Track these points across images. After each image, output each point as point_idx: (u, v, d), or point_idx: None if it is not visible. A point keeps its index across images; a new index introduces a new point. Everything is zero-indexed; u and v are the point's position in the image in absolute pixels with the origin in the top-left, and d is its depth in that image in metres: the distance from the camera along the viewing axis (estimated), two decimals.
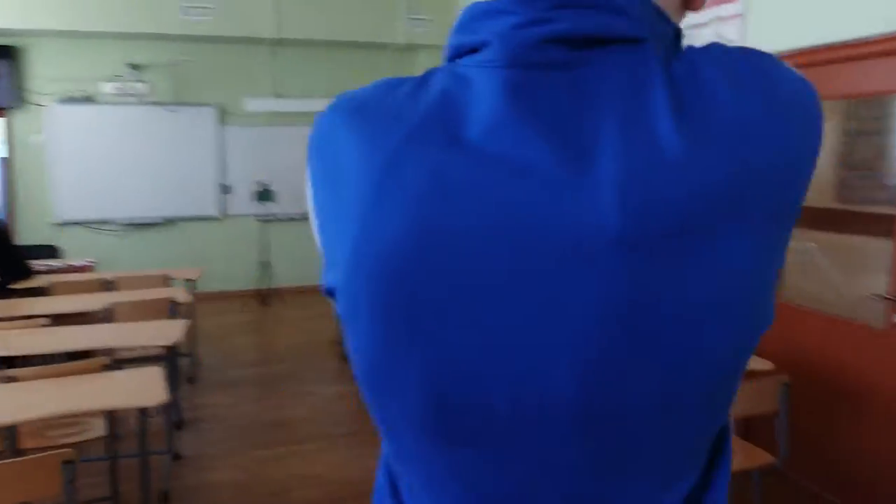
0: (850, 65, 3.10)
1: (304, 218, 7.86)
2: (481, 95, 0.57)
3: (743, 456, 2.68)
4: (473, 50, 0.60)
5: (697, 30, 3.85)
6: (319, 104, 7.56)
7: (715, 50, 0.57)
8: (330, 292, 0.67)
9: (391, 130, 0.59)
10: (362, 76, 7.89)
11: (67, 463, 1.98)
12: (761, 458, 2.67)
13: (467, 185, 0.55)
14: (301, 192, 7.71)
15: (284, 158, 7.79)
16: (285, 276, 7.79)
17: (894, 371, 2.97)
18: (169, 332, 3.45)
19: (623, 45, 0.56)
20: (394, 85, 0.64)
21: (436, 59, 7.78)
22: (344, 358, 5.53)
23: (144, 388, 2.67)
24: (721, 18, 3.70)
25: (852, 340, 3.19)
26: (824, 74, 3.20)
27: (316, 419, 4.37)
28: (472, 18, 0.61)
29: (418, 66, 7.99)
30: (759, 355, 3.00)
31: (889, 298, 3.00)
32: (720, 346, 0.55)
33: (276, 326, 6.74)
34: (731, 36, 3.63)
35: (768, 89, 0.54)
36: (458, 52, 0.62)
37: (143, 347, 3.69)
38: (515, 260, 0.54)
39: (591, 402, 0.56)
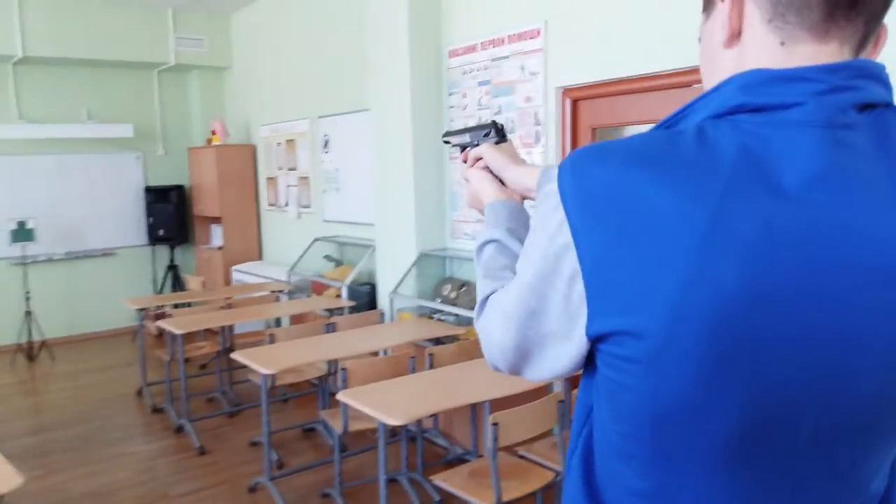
0: (630, 97, 3.58)
1: (70, 257, 6.95)
2: (795, 150, 0.66)
3: None
4: (757, 109, 0.68)
5: (501, 62, 4.17)
6: (80, 129, 6.76)
7: None
8: (599, 336, 0.70)
9: (705, 183, 0.65)
10: (129, 97, 7.21)
11: None
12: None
13: (799, 231, 0.63)
14: (68, 231, 6.87)
15: (44, 191, 6.80)
16: (51, 326, 6.79)
17: None
18: None
19: (883, 108, 0.69)
20: (665, 138, 0.70)
21: (209, 81, 7.42)
22: (155, 410, 4.99)
23: None
24: (524, 52, 4.05)
25: None
26: (612, 104, 3.67)
27: (143, 482, 3.90)
28: (764, 82, 0.68)
29: (191, 87, 7.51)
30: None
31: None
32: None
33: (53, 384, 5.86)
34: (535, 69, 3.99)
35: None
36: (736, 110, 0.69)
37: None
38: (848, 290, 0.64)
39: (883, 402, 0.67)
